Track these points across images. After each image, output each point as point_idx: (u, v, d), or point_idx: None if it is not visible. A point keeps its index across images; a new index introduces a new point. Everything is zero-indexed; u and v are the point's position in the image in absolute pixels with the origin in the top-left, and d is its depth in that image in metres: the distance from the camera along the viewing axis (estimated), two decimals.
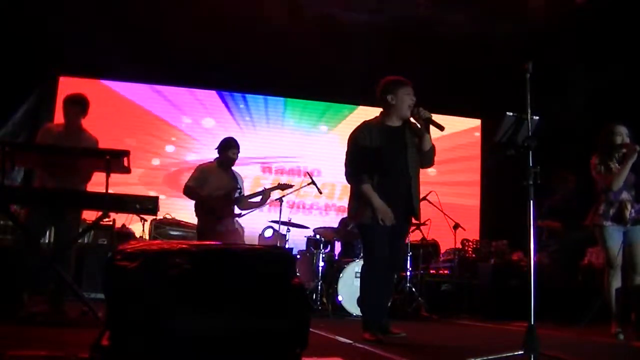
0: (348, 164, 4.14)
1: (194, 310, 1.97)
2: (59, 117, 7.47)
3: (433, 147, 4.17)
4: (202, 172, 5.59)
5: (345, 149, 4.21)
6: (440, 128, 4.04)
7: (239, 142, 5.66)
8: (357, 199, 4.12)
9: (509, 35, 7.74)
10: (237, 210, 5.73)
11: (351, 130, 4.24)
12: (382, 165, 4.02)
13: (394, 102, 4.09)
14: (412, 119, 4.14)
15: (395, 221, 4.01)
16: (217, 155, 5.66)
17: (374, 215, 3.98)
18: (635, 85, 7.22)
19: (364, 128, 4.17)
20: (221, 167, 5.63)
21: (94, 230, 6.23)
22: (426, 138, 4.10)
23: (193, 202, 5.58)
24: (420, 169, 4.23)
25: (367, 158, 4.05)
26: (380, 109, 4.23)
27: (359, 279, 6.08)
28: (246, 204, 5.76)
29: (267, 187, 5.91)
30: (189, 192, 5.55)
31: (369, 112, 4.53)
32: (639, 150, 4.67)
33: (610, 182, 4.72)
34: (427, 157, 4.18)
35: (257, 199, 5.78)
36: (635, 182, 4.77)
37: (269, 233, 7.33)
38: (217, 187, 5.53)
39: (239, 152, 5.65)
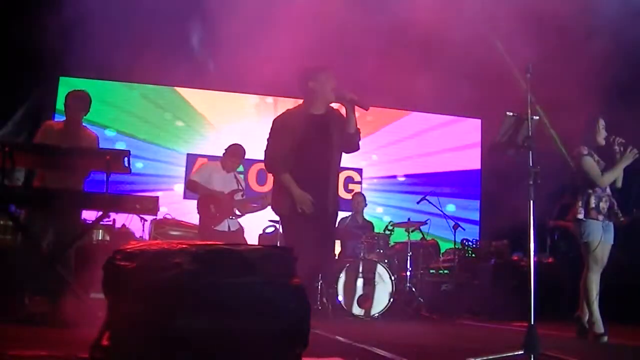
0: (267, 152, 3.97)
1: (194, 310, 1.97)
2: (59, 117, 7.49)
3: (358, 131, 4.03)
4: (207, 170, 5.74)
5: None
6: (365, 107, 3.89)
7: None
8: (276, 189, 4.01)
9: (510, 34, 7.72)
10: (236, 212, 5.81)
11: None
12: (302, 154, 3.86)
13: (316, 88, 3.94)
14: (336, 104, 4.02)
15: (313, 211, 3.84)
16: (222, 157, 5.80)
17: (292, 205, 3.84)
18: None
19: (286, 116, 4.03)
20: (225, 170, 5.74)
21: (94, 230, 6.23)
22: (351, 120, 3.94)
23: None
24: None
25: (287, 147, 3.87)
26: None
27: (359, 279, 6.08)
28: (247, 207, 5.85)
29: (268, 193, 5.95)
30: (193, 185, 5.65)
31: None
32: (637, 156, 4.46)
33: (599, 177, 4.49)
34: (351, 141, 4.03)
35: (257, 203, 5.91)
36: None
37: (269, 232, 7.32)
38: (220, 187, 5.64)
39: (244, 160, 5.87)
